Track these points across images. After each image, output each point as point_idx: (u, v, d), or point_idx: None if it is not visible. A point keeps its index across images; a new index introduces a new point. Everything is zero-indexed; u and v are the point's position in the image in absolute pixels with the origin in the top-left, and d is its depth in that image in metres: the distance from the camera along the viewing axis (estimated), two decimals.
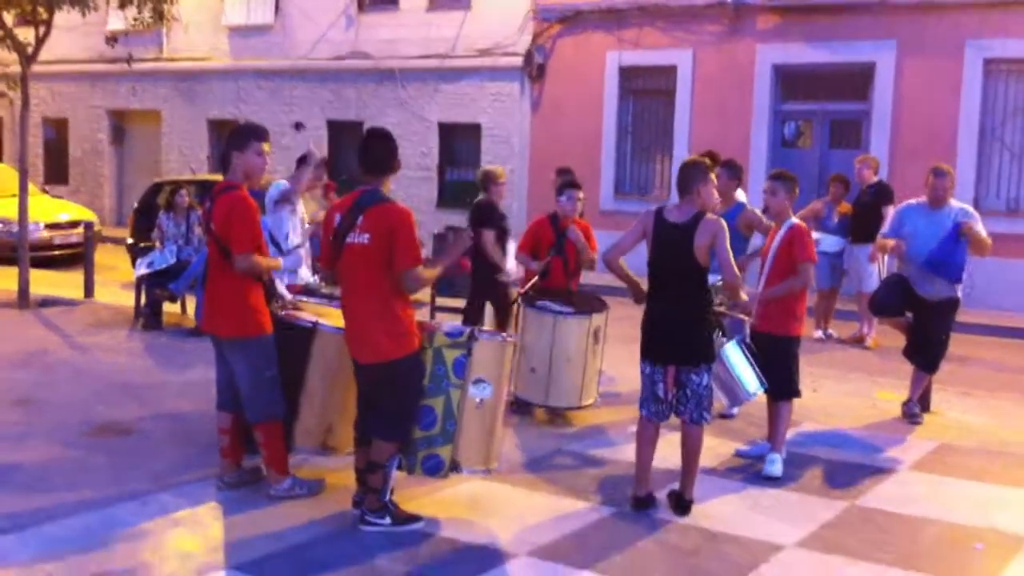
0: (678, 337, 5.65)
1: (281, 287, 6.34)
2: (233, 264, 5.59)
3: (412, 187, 18.60)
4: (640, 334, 5.81)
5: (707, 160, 5.97)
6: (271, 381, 5.69)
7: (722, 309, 6.27)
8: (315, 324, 5.84)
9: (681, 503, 5.81)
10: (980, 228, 7.84)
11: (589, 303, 7.77)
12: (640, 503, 5.78)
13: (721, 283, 5.95)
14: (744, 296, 5.94)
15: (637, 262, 5.83)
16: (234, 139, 5.80)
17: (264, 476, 5.89)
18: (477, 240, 7.91)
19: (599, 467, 6.62)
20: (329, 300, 6.64)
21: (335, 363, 5.81)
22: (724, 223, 5.69)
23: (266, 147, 5.79)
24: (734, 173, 8.19)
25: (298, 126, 19.87)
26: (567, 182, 8.27)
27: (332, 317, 6.07)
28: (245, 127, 5.92)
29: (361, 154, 5.43)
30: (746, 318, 6.59)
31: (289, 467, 5.87)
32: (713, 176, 5.77)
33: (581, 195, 8.12)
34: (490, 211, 8.68)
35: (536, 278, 7.95)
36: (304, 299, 6.57)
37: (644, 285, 5.96)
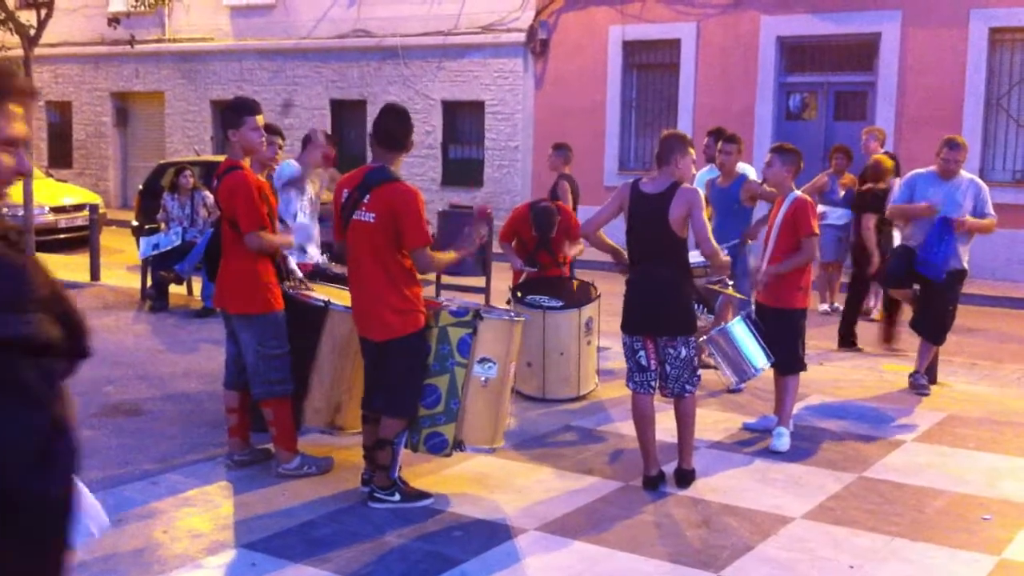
0: (656, 308, 5.65)
1: (293, 264, 6.34)
2: (245, 243, 5.61)
3: (415, 166, 18.57)
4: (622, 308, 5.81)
5: (687, 135, 5.93)
6: (278, 359, 5.71)
7: (717, 287, 6.26)
8: (327, 303, 5.86)
9: (682, 474, 5.82)
10: (989, 207, 7.77)
11: (579, 294, 7.76)
12: (651, 482, 5.77)
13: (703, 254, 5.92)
14: (726, 265, 5.94)
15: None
16: (228, 117, 5.78)
17: (273, 455, 5.92)
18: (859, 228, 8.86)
19: (605, 442, 6.64)
20: (340, 283, 6.64)
21: (346, 343, 5.84)
22: (700, 192, 5.68)
23: (260, 119, 5.78)
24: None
25: (286, 106, 19.68)
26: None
27: (342, 298, 6.08)
28: (236, 103, 5.85)
29: (374, 127, 5.44)
30: (735, 294, 6.58)
31: (298, 445, 5.90)
32: (691, 151, 5.74)
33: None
34: (874, 198, 9.11)
35: (525, 274, 8.01)
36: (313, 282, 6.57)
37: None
